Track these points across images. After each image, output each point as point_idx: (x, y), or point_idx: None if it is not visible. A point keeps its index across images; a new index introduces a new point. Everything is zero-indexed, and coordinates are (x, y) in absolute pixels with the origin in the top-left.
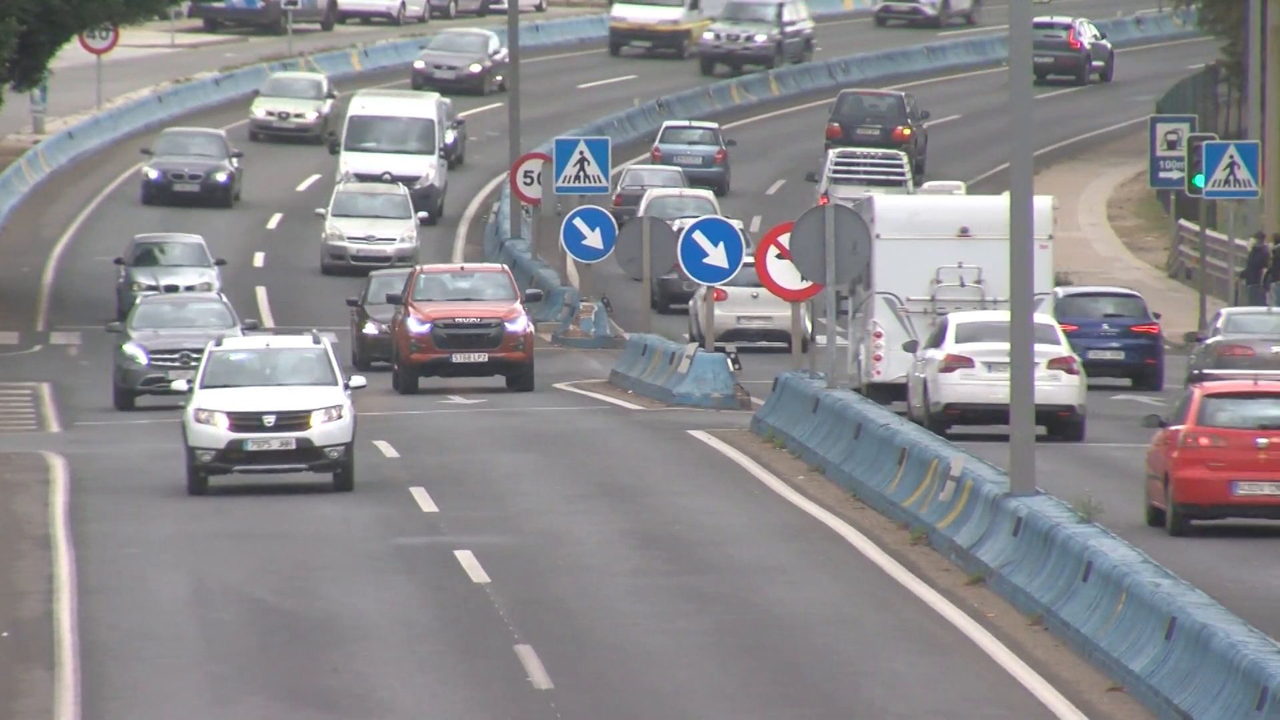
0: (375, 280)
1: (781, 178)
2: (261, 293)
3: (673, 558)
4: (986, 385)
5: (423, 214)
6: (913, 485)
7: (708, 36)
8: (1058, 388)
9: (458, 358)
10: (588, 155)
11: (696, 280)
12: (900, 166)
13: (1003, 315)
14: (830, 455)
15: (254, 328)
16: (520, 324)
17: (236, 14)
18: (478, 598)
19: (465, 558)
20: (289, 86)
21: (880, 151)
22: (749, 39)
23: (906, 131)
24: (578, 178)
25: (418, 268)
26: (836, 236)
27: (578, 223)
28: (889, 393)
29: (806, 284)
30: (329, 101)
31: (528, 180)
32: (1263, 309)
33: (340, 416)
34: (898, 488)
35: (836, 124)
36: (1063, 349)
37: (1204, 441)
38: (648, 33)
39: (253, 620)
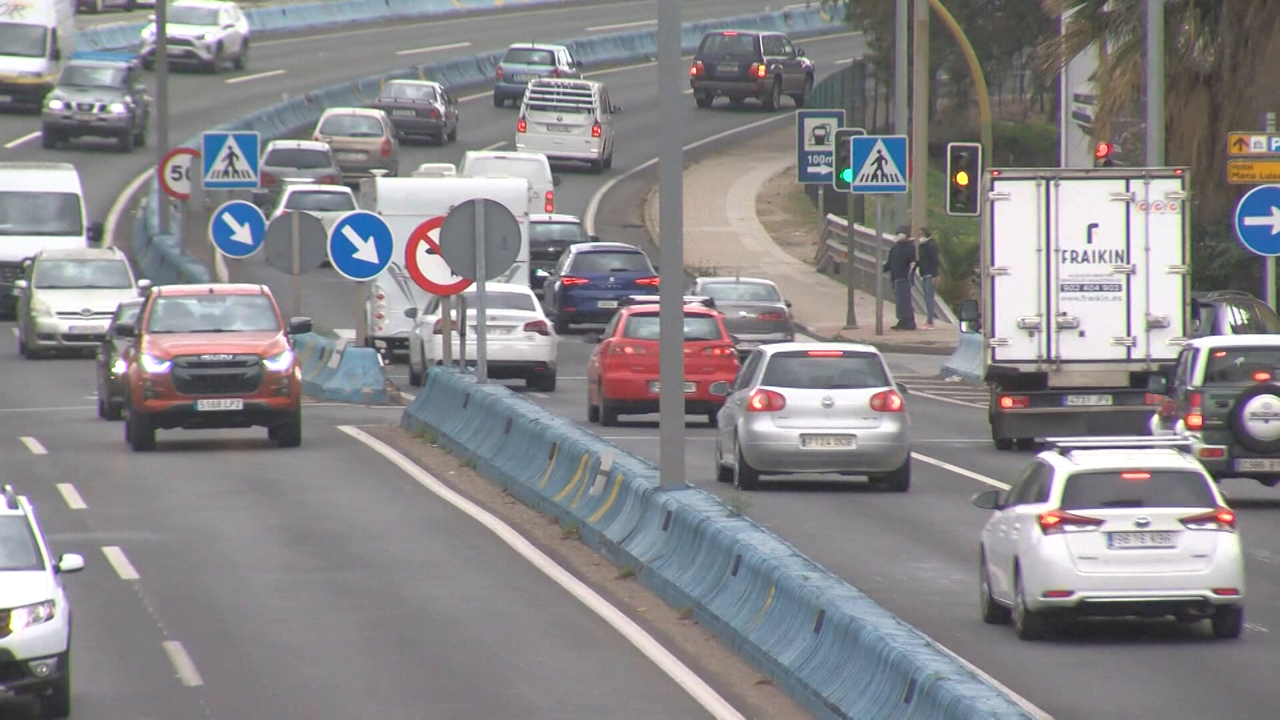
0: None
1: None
2: None
3: (323, 553)
4: (470, 344)
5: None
6: (564, 480)
7: (55, 105)
8: (533, 347)
9: (204, 404)
10: (237, 150)
11: (347, 275)
12: (589, 96)
13: (489, 285)
14: (481, 450)
15: None
16: (284, 361)
17: None
18: (126, 594)
19: (114, 554)
20: None
21: (571, 82)
22: (102, 109)
23: (762, 70)
24: (227, 173)
25: (155, 290)
26: (487, 231)
27: (227, 218)
28: (391, 344)
29: (456, 279)
30: None
31: (176, 176)
32: (731, 279)
33: (50, 616)
34: (549, 482)
35: (700, 62)
36: (538, 314)
37: (629, 350)
38: (5, 85)
39: None
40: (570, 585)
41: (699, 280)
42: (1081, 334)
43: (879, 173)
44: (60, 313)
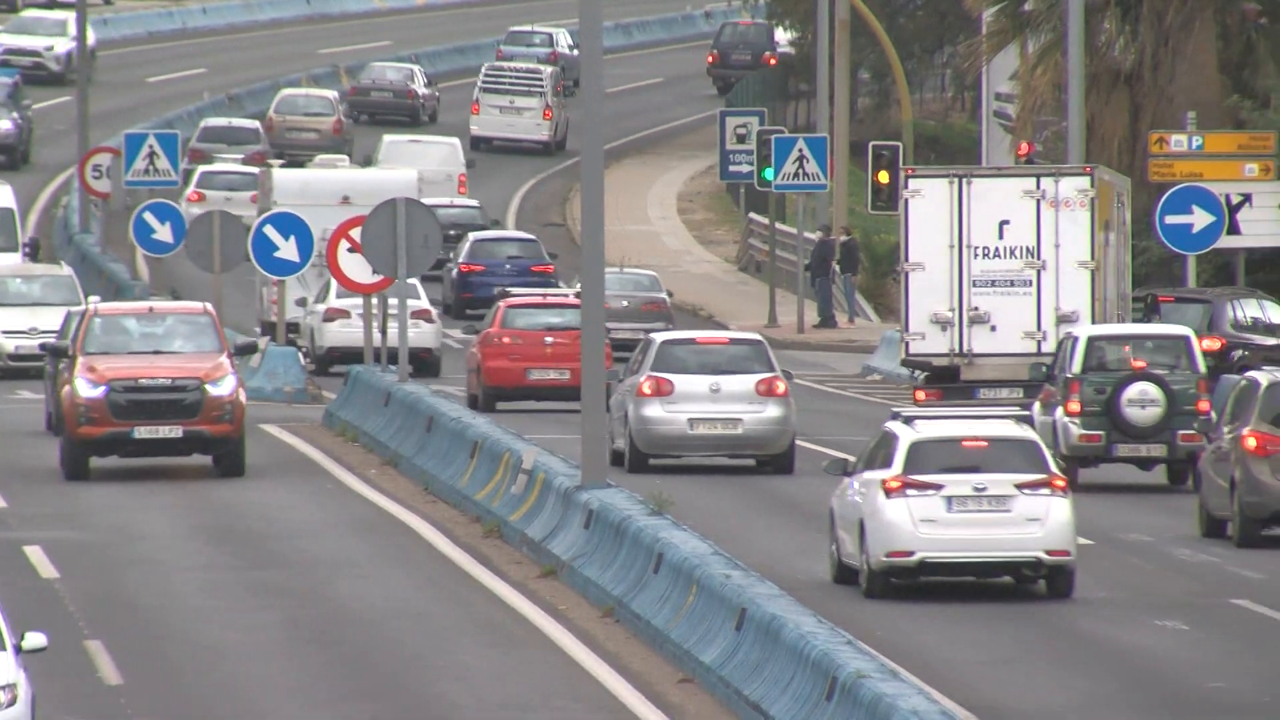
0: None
1: None
2: None
3: (245, 553)
4: (359, 331)
5: None
6: (485, 478)
7: None
8: (419, 334)
9: (142, 432)
10: (157, 149)
11: (269, 274)
12: (541, 80)
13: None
14: (403, 449)
15: None
16: (227, 385)
17: None
18: (46, 593)
19: (34, 553)
20: None
21: (524, 66)
22: None
23: (774, 59)
24: (147, 171)
25: (90, 307)
26: (408, 230)
27: (148, 216)
28: (290, 330)
29: (378, 277)
30: None
31: (96, 174)
32: (615, 269)
33: (13, 700)
34: (470, 481)
35: (715, 51)
36: (423, 302)
37: (506, 340)
38: None
39: None
40: (492, 584)
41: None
42: (993, 328)
43: (800, 171)
44: (5, 332)
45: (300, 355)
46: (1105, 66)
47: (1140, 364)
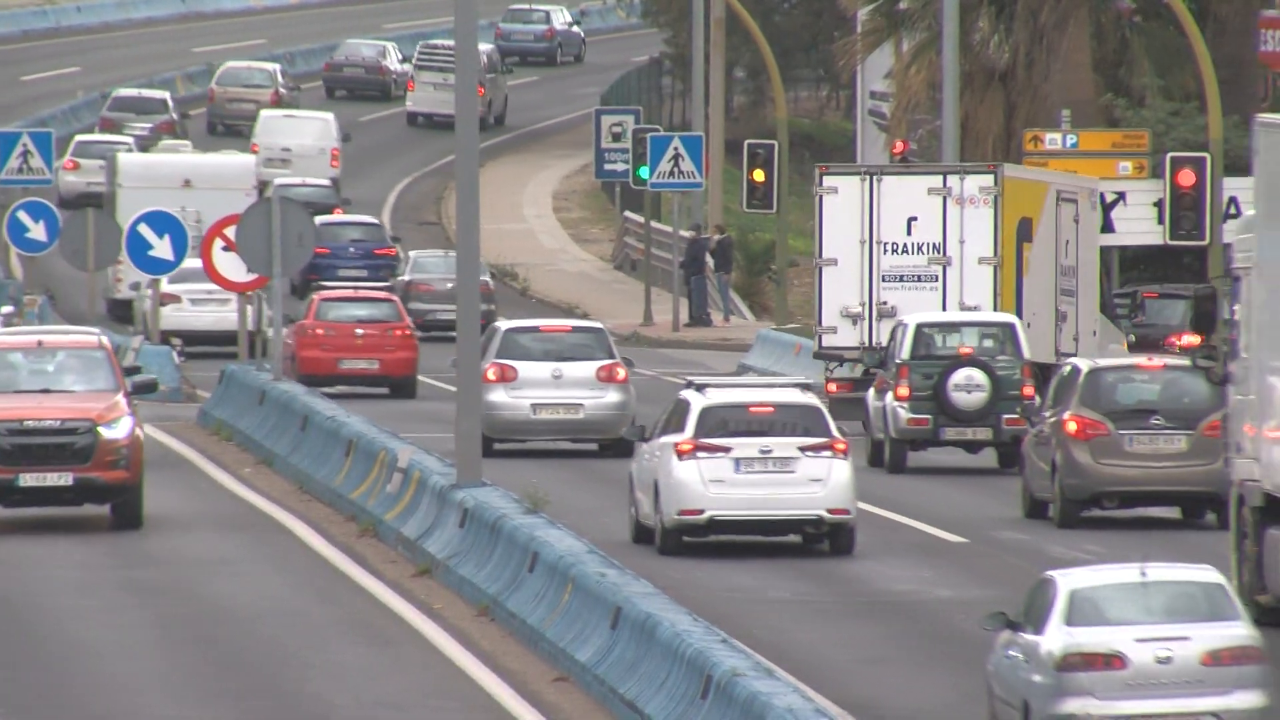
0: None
1: None
2: None
3: (118, 551)
4: (194, 314)
5: None
6: (361, 477)
7: None
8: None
9: (28, 479)
10: (31, 148)
11: (143, 272)
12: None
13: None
14: (278, 447)
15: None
16: (122, 427)
17: None
18: None
19: None
20: None
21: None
22: None
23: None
24: (21, 170)
25: None
26: (283, 228)
27: (21, 215)
28: (123, 306)
29: (252, 276)
30: None
31: None
32: (440, 253)
33: None
34: (345, 480)
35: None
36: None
37: (319, 331)
38: None
39: None
40: (367, 583)
41: (411, 254)
42: None
43: (675, 170)
44: None
45: (174, 355)
46: (980, 65)
47: (967, 350)
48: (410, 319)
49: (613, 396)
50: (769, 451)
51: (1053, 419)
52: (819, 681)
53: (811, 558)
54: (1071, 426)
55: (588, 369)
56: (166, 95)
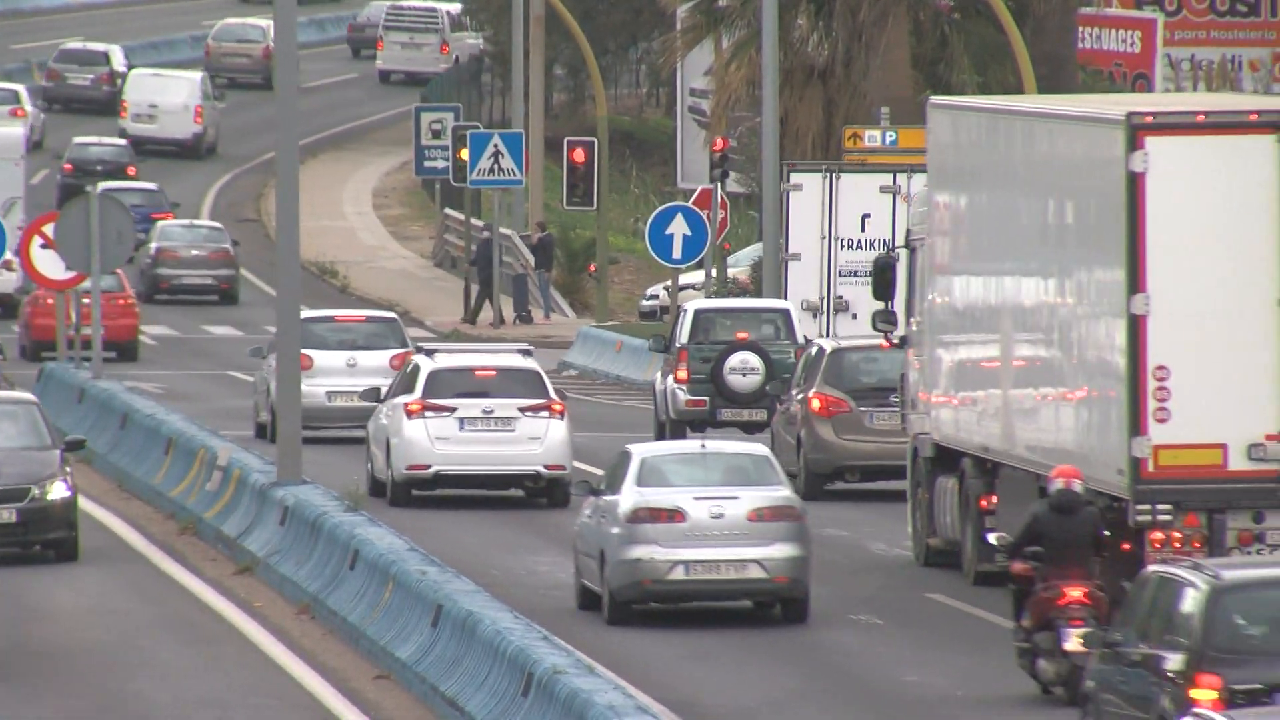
0: None
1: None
2: None
3: None
4: None
5: None
6: (180, 475)
7: None
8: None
9: None
10: None
11: None
12: (437, 18)
13: None
14: (97, 445)
15: None
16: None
17: None
18: None
19: None
20: None
21: (424, 6)
22: None
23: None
24: None
25: None
26: (102, 226)
27: None
28: None
29: (71, 273)
30: None
31: None
32: (186, 222)
33: None
34: (165, 477)
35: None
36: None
37: (50, 301)
38: None
39: None
40: (187, 581)
41: (159, 224)
42: (854, 316)
43: (496, 167)
44: None
45: None
46: (799, 62)
47: (743, 335)
48: (160, 284)
49: None
50: (491, 412)
51: (799, 397)
52: (641, 679)
53: None
54: (815, 404)
55: (381, 358)
56: (107, 49)
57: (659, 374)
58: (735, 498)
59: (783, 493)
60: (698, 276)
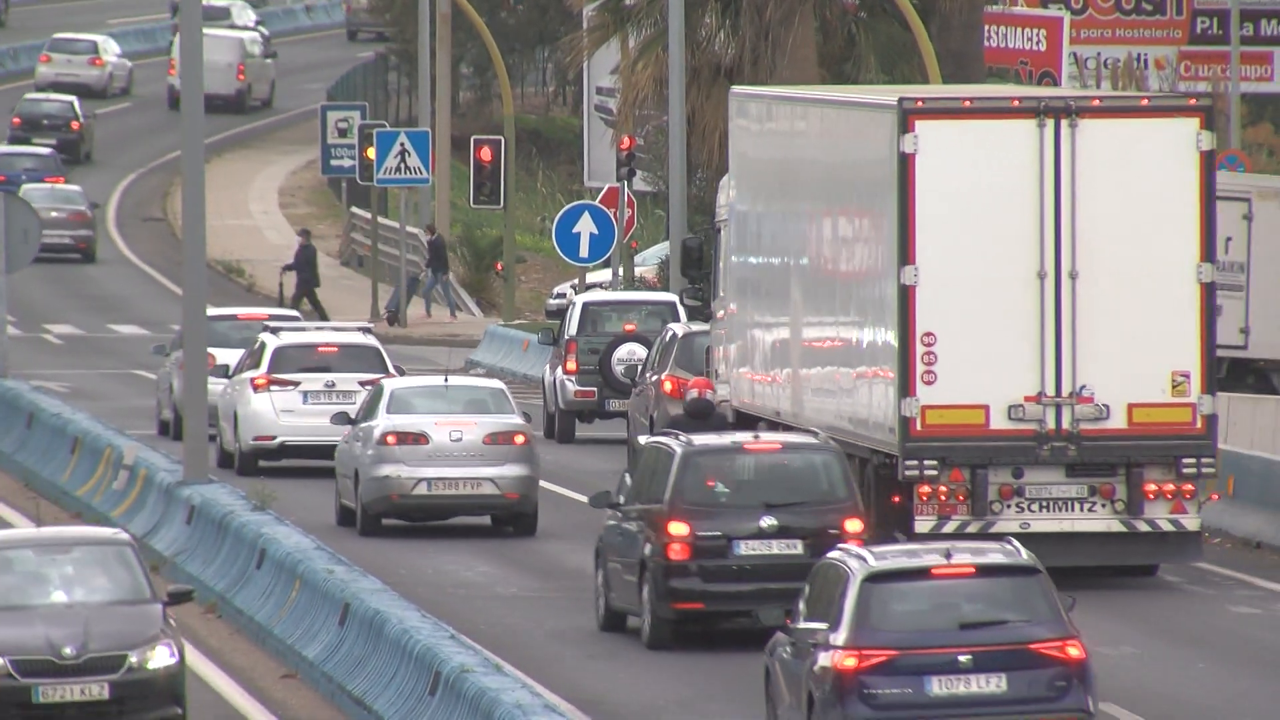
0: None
1: None
2: None
3: None
4: None
5: None
6: (87, 474)
7: None
8: None
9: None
10: None
11: None
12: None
13: None
14: (2, 445)
15: None
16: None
17: None
18: None
19: None
20: None
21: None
22: None
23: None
24: None
25: None
26: (8, 225)
27: None
28: None
29: None
30: None
31: None
32: (47, 186)
33: None
34: (72, 477)
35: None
36: None
37: None
38: None
39: None
40: None
41: (23, 189)
42: None
43: (402, 166)
44: None
45: None
46: (706, 60)
47: (630, 327)
48: None
49: None
50: (333, 385)
51: (653, 379)
52: (548, 677)
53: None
54: (666, 385)
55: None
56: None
57: (547, 366)
58: (473, 424)
59: (515, 420)
60: (605, 275)
